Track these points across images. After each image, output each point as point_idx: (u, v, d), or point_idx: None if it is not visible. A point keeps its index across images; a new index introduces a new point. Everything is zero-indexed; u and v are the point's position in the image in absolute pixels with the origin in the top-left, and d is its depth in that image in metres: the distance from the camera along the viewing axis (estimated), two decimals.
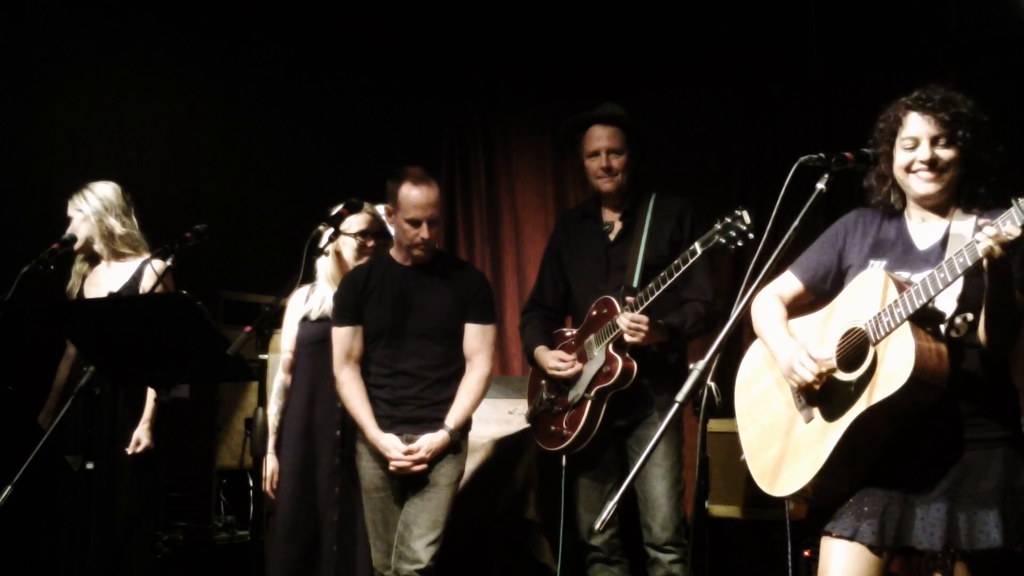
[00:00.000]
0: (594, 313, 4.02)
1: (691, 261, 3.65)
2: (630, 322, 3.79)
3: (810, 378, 2.62)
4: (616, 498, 2.32)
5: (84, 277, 4.33)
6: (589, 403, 3.93)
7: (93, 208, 4.27)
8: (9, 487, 3.33)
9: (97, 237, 4.28)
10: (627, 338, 3.83)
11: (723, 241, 3.54)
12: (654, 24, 6.00)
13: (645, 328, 3.79)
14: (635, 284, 3.94)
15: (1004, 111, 5.35)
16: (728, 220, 3.55)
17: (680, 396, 2.30)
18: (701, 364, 2.31)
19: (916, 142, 2.66)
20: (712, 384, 2.33)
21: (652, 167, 4.27)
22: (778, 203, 2.48)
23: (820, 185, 2.55)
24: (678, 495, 3.94)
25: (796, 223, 2.54)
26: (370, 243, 4.13)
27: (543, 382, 4.15)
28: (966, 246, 2.42)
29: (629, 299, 3.84)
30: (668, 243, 4.01)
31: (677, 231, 4.03)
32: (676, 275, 3.69)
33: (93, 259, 4.33)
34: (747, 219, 3.49)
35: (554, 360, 4.05)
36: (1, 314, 3.79)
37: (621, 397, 3.92)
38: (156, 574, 3.62)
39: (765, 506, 4.27)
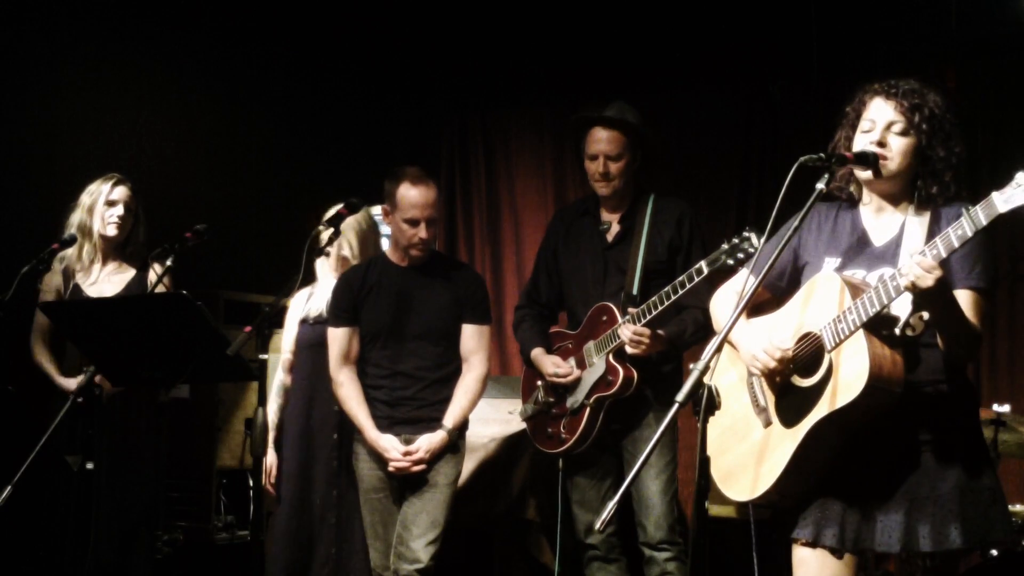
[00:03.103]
0: (593, 319, 4.01)
1: (696, 280, 3.65)
2: (632, 335, 3.79)
3: (772, 364, 2.60)
4: (616, 498, 2.31)
5: (72, 274, 4.21)
6: (588, 410, 3.94)
7: (140, 211, 4.24)
8: (9, 487, 3.33)
9: (139, 237, 4.23)
10: (629, 350, 3.83)
11: (730, 262, 3.53)
12: (654, 24, 6.00)
13: (647, 342, 3.80)
14: (635, 291, 3.93)
15: (1004, 111, 5.36)
16: (736, 241, 3.54)
17: (680, 396, 2.29)
18: (700, 364, 2.31)
19: (873, 125, 2.63)
20: (712, 384, 2.33)
21: (652, 167, 4.26)
22: (778, 203, 2.47)
23: (820, 185, 2.54)
24: (672, 494, 3.95)
25: (796, 223, 2.54)
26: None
27: (540, 383, 4.15)
28: (920, 253, 2.39)
29: (632, 310, 3.84)
30: (667, 248, 4.00)
31: (676, 236, 4.02)
32: (681, 292, 3.69)
33: (98, 254, 4.26)
34: (755, 242, 3.45)
35: (552, 366, 4.05)
36: (1, 314, 3.78)
37: (618, 403, 3.93)
38: (156, 574, 3.61)
39: (763, 506, 4.26)
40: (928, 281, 2.34)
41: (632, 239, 4.03)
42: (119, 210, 4.18)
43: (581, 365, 4.01)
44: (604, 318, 3.97)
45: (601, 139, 4.02)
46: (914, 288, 2.36)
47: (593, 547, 4.06)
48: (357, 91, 6.45)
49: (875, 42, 5.58)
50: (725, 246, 3.57)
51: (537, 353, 4.13)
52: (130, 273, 4.25)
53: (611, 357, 3.90)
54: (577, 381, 3.99)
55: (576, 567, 4.21)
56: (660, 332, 3.86)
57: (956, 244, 2.32)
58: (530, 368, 4.22)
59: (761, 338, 2.66)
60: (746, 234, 3.52)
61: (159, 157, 5.43)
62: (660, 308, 3.76)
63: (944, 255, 2.34)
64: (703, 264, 3.64)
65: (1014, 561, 3.75)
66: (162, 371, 3.49)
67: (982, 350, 5.29)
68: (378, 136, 6.31)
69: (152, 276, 4.09)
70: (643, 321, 3.80)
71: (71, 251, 4.21)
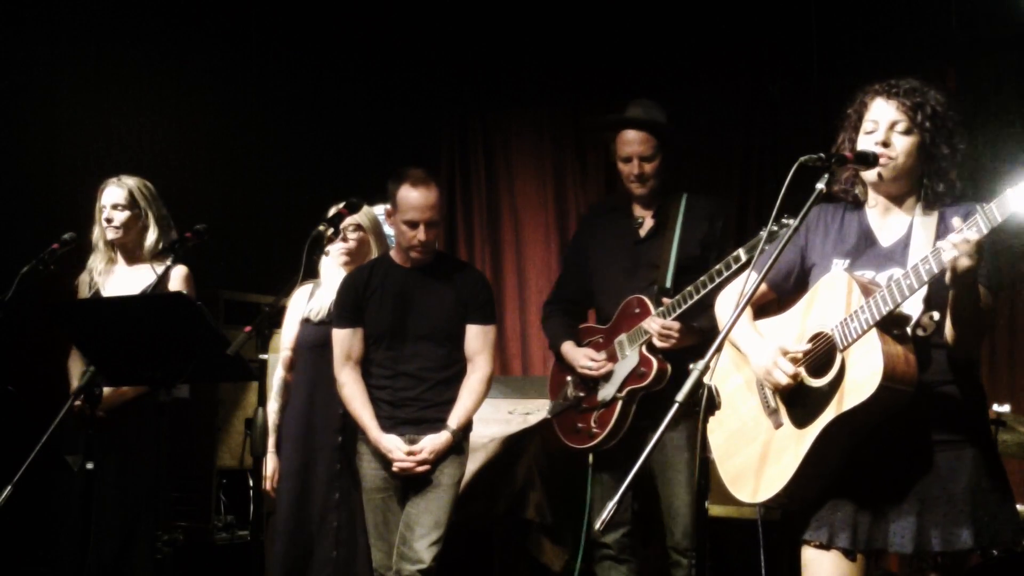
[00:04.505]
0: (625, 311, 4.00)
1: (734, 268, 3.62)
2: (660, 328, 3.80)
3: (785, 381, 2.59)
4: (616, 498, 2.30)
5: (93, 274, 4.22)
6: (620, 403, 3.93)
7: (158, 213, 4.23)
8: (9, 487, 3.32)
9: (153, 238, 4.21)
10: (657, 343, 3.83)
11: None
12: (654, 24, 6.00)
13: (676, 335, 3.80)
14: (668, 284, 3.93)
15: (1004, 111, 5.35)
16: (775, 229, 3.51)
17: (680, 396, 2.29)
18: (700, 364, 2.31)
19: (876, 126, 2.63)
20: (713, 384, 2.32)
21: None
22: (778, 203, 2.47)
23: (820, 185, 2.53)
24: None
25: (796, 223, 2.54)
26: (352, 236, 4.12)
27: (569, 378, 4.14)
28: (932, 253, 2.39)
29: (666, 301, 3.83)
30: (699, 244, 3.99)
31: (709, 233, 4.00)
32: (718, 280, 3.67)
33: (113, 257, 4.24)
34: None
35: (584, 358, 4.04)
36: (1, 314, 3.78)
37: (648, 398, 3.91)
38: (156, 574, 3.61)
39: (772, 507, 4.26)
40: (973, 253, 2.30)
41: (664, 234, 4.01)
42: (107, 212, 4.18)
43: (612, 358, 4.00)
44: (637, 311, 3.96)
45: (633, 141, 4.01)
46: (955, 265, 2.32)
47: (607, 546, 4.06)
48: (357, 91, 6.46)
49: (875, 42, 5.57)
50: (763, 234, 3.55)
51: (568, 347, 4.13)
52: (147, 276, 4.22)
53: (644, 349, 3.89)
54: (609, 374, 3.98)
55: (585, 565, 4.21)
56: (694, 324, 3.84)
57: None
58: (559, 363, 4.22)
59: (770, 350, 2.64)
60: (785, 221, 3.49)
61: (159, 157, 5.43)
62: (695, 298, 3.75)
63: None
64: (741, 252, 3.61)
65: (1015, 561, 3.74)
66: (162, 371, 3.49)
67: (982, 350, 5.29)
68: (378, 136, 6.32)
69: (171, 279, 4.08)
70: (676, 313, 3.79)
71: (94, 255, 4.23)
